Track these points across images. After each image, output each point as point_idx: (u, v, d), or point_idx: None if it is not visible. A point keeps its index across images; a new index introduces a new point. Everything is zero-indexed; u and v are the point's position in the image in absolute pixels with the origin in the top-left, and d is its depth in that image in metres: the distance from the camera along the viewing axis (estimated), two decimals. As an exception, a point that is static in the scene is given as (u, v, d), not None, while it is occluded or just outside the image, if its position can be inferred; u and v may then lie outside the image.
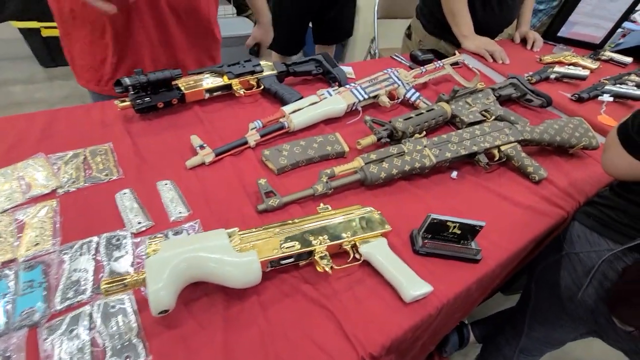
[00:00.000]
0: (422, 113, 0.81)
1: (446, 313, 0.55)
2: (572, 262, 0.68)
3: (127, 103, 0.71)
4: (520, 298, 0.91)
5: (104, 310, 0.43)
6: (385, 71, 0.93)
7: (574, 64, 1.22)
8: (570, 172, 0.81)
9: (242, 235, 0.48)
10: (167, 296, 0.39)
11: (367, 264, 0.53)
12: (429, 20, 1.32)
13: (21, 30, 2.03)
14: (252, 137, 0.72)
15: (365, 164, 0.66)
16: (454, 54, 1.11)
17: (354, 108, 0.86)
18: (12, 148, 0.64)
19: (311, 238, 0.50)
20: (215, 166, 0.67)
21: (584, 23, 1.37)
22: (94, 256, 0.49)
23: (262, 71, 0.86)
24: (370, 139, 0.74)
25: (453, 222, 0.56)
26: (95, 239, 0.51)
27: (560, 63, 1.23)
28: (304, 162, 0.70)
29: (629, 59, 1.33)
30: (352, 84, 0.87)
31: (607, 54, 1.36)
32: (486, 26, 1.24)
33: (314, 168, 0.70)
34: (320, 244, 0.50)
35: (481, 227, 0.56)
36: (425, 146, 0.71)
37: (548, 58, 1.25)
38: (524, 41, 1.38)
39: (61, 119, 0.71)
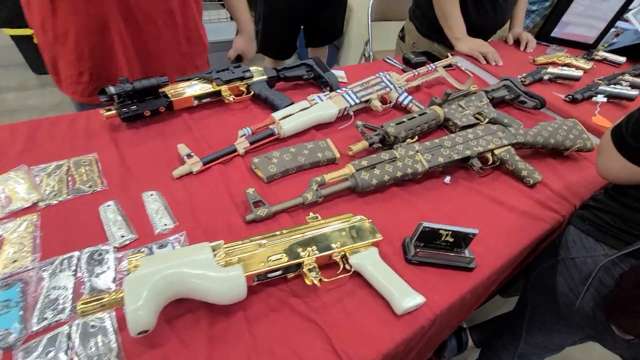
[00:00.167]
0: (414, 117, 0.79)
1: (440, 323, 0.53)
2: (568, 268, 0.67)
3: (113, 112, 0.70)
4: (517, 302, 0.90)
5: (82, 329, 0.42)
6: (377, 75, 0.91)
7: (568, 65, 1.22)
8: (565, 175, 0.80)
9: (227, 249, 0.46)
10: (147, 316, 0.38)
11: (358, 274, 0.52)
12: (422, 22, 1.31)
13: (13, 37, 2.01)
14: (241, 145, 0.71)
15: (356, 170, 0.65)
16: (447, 57, 1.10)
17: (345, 113, 0.85)
18: (-6, 160, 0.62)
19: (299, 250, 0.49)
20: (203, 175, 0.66)
21: (576, 23, 1.37)
22: (74, 272, 0.47)
23: (252, 77, 0.85)
24: (362, 144, 0.73)
25: (445, 230, 0.54)
26: (76, 254, 0.49)
27: (554, 64, 1.22)
28: (294, 169, 0.69)
29: (622, 59, 1.33)
30: (344, 89, 0.86)
31: (601, 53, 1.35)
32: (479, 28, 1.24)
33: (304, 175, 0.69)
34: (308, 255, 0.49)
35: (474, 234, 0.55)
36: (417, 151, 0.70)
37: (541, 59, 1.24)
38: (517, 42, 1.37)
39: (45, 129, 0.70)
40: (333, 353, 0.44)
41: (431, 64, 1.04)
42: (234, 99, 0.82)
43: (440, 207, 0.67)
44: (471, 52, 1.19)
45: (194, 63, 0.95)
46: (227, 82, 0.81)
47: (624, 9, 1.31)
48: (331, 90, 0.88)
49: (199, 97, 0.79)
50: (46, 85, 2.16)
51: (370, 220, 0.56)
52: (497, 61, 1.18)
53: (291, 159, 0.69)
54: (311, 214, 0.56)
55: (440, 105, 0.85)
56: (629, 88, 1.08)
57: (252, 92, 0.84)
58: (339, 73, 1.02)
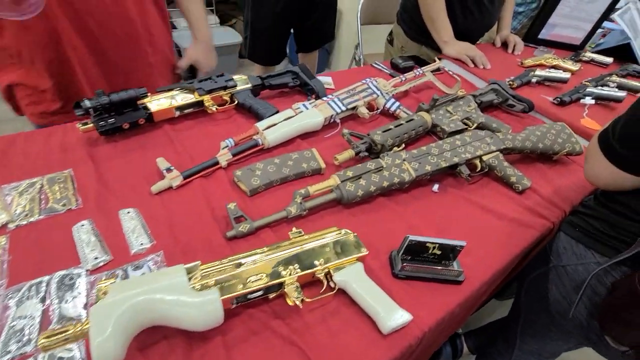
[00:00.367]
0: (401, 124, 0.78)
1: (429, 339, 0.51)
2: (560, 276, 0.66)
3: (90, 125, 0.67)
4: (511, 308, 0.89)
5: (49, 362, 0.39)
6: (363, 81, 0.90)
7: (555, 67, 1.22)
8: (554, 179, 0.79)
9: (203, 271, 0.44)
10: (114, 348, 0.35)
11: (342, 292, 0.50)
12: (410, 26, 1.31)
13: None
14: (224, 157, 0.69)
15: (342, 181, 0.63)
16: (435, 61, 1.09)
17: (332, 120, 0.84)
18: (-38, 179, 0.59)
19: (280, 268, 0.47)
20: (183, 190, 0.63)
21: (563, 25, 1.37)
22: (43, 299, 0.45)
23: (235, 86, 0.83)
24: (348, 153, 0.71)
25: (433, 242, 0.53)
26: (45, 279, 0.47)
27: (542, 66, 1.22)
28: (278, 181, 0.67)
29: (609, 59, 1.34)
30: (330, 96, 0.84)
31: (588, 54, 1.36)
32: (467, 31, 1.23)
33: (289, 187, 0.67)
34: (290, 274, 0.47)
35: (462, 247, 0.53)
36: (404, 160, 0.69)
37: (529, 61, 1.24)
38: (504, 45, 1.37)
39: (18, 144, 0.67)
40: (316, 378, 0.42)
41: (419, 69, 1.03)
42: (217, 108, 0.80)
43: (428, 217, 0.66)
44: (459, 55, 1.18)
45: (164, 73, 0.91)
46: (209, 91, 0.79)
47: (610, 10, 1.32)
48: (317, 97, 0.87)
49: (180, 108, 0.77)
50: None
51: (355, 234, 0.54)
52: (485, 64, 1.17)
53: (275, 171, 0.67)
54: (294, 228, 0.54)
55: (427, 111, 0.84)
56: (617, 89, 1.09)
57: (236, 102, 0.83)
58: (325, 79, 1.01)
